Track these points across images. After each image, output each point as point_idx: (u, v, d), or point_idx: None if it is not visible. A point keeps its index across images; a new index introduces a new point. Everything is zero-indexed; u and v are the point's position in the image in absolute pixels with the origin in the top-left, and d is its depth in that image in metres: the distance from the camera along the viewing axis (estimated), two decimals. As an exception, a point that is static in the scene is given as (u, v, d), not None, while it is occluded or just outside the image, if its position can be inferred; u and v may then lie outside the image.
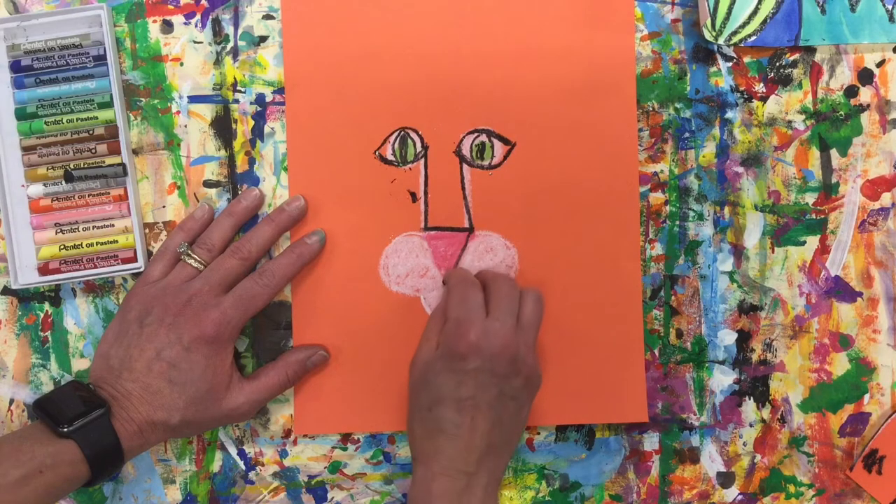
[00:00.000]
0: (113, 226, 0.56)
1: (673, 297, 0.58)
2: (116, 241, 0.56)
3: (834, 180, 0.58)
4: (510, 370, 0.50)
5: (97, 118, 0.55)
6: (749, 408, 0.58)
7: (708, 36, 0.56)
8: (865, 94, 0.57)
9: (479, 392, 0.50)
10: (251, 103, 0.57)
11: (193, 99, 0.57)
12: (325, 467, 0.58)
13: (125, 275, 0.57)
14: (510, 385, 0.51)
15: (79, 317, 0.57)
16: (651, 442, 0.58)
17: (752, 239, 0.58)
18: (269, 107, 0.57)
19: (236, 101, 0.57)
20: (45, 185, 0.56)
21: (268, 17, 0.57)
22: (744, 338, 0.58)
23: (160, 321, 0.51)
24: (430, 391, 0.51)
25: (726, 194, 0.57)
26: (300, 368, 0.55)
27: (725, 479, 0.58)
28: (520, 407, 0.52)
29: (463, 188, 0.57)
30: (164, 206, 0.57)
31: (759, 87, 0.57)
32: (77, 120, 0.55)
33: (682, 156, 0.57)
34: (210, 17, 0.57)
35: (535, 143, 0.57)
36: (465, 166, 0.57)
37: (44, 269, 0.55)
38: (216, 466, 0.58)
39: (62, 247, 0.55)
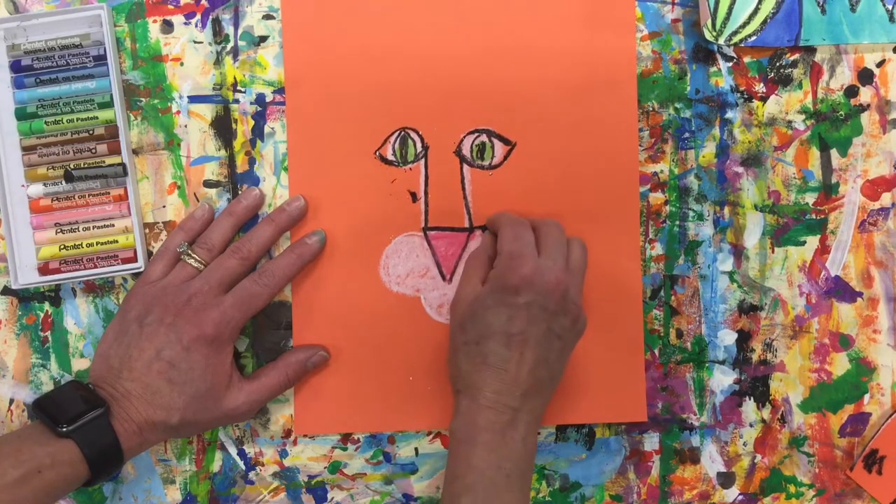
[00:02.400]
0: (113, 226, 0.56)
1: (673, 297, 0.58)
2: (116, 241, 0.56)
3: (834, 180, 0.58)
4: (560, 308, 0.50)
5: (97, 118, 0.55)
6: (749, 408, 0.58)
7: (708, 36, 0.56)
8: (865, 94, 0.57)
9: (529, 327, 0.50)
10: (251, 103, 0.57)
11: (193, 99, 0.57)
12: (325, 467, 0.58)
13: (125, 275, 0.57)
14: (558, 323, 0.51)
15: (79, 317, 0.57)
16: (651, 442, 0.58)
17: (752, 239, 0.58)
18: (270, 107, 0.57)
19: (236, 101, 0.57)
20: (45, 184, 0.56)
21: (268, 17, 0.57)
22: (744, 338, 0.58)
23: (160, 321, 0.51)
24: (479, 325, 0.51)
25: (726, 194, 0.57)
26: (300, 369, 0.55)
27: (726, 480, 0.58)
28: (564, 346, 0.52)
29: (463, 188, 0.57)
30: (164, 206, 0.57)
31: (760, 87, 0.57)
32: (77, 120, 0.55)
33: (682, 156, 0.57)
34: (210, 17, 0.57)
35: (535, 143, 0.57)
36: (465, 166, 0.57)
37: (44, 269, 0.55)
38: (216, 466, 0.58)
39: (62, 247, 0.55)
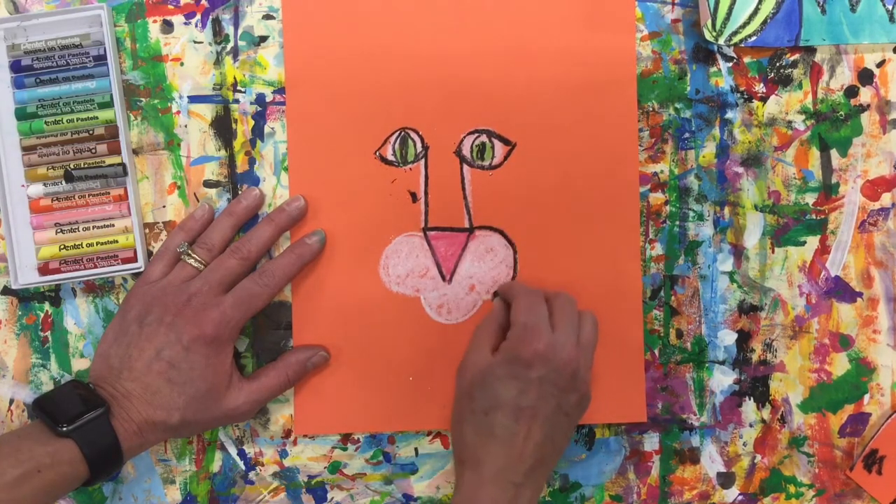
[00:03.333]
0: (113, 226, 0.56)
1: (673, 298, 0.58)
2: (116, 241, 0.56)
3: (834, 180, 0.58)
4: (570, 385, 0.50)
5: (97, 118, 0.55)
6: (749, 408, 0.58)
7: (708, 36, 0.56)
8: (865, 95, 0.57)
9: (540, 402, 0.50)
10: (251, 103, 0.57)
11: (193, 99, 0.57)
12: (324, 467, 0.58)
13: (125, 275, 0.57)
14: (567, 400, 0.51)
15: (79, 317, 0.57)
16: (651, 442, 0.58)
17: (752, 239, 0.58)
18: (270, 107, 0.57)
19: (236, 101, 0.57)
20: (45, 184, 0.56)
21: (268, 17, 0.57)
22: (744, 338, 0.58)
23: (160, 321, 0.51)
24: (488, 395, 0.50)
25: (726, 194, 0.57)
26: (300, 369, 0.55)
27: (725, 480, 0.58)
28: (570, 424, 0.52)
29: (463, 188, 0.57)
30: (164, 206, 0.57)
31: (760, 88, 0.57)
32: (77, 120, 0.55)
33: (682, 156, 0.57)
34: (210, 17, 0.57)
35: (535, 143, 0.57)
36: (465, 166, 0.57)
37: (44, 269, 0.55)
38: (216, 466, 0.58)
39: (62, 247, 0.55)
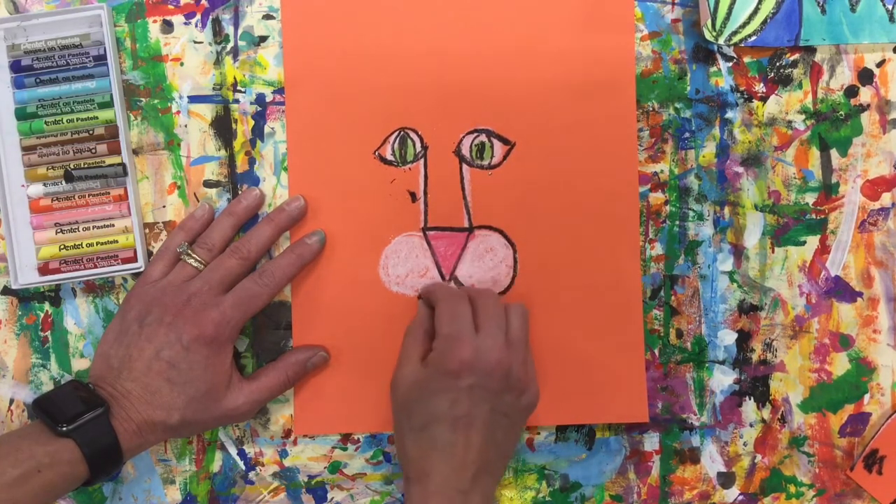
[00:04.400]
0: (113, 226, 0.56)
1: (673, 297, 0.58)
2: (116, 241, 0.56)
3: (834, 180, 0.58)
4: (503, 386, 0.50)
5: (97, 118, 0.55)
6: (749, 408, 0.58)
7: (708, 36, 0.56)
8: (865, 94, 0.57)
9: (474, 409, 0.50)
10: (251, 103, 0.57)
11: (193, 99, 0.57)
12: (325, 467, 0.58)
13: (125, 275, 0.57)
14: (503, 401, 0.51)
15: (79, 317, 0.57)
16: (651, 442, 0.58)
17: (752, 239, 0.58)
18: (270, 107, 0.57)
19: (236, 101, 0.57)
20: (45, 184, 0.56)
21: (268, 17, 0.57)
22: (744, 338, 0.58)
23: (160, 321, 0.51)
24: (423, 410, 0.50)
25: (726, 194, 0.57)
26: (300, 369, 0.55)
27: (726, 480, 0.58)
28: (512, 423, 0.52)
29: (462, 188, 0.57)
30: (164, 206, 0.57)
31: (760, 87, 0.57)
32: (77, 120, 0.55)
33: (682, 156, 0.57)
34: (210, 17, 0.57)
35: (534, 142, 0.57)
36: (464, 166, 0.57)
37: (44, 269, 0.55)
38: (216, 466, 0.58)
39: (62, 247, 0.55)
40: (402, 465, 0.52)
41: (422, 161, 0.57)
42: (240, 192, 0.57)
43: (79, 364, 0.57)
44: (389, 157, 0.57)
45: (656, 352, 0.58)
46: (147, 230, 0.57)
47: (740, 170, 0.57)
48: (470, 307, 0.53)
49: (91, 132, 0.55)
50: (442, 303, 0.53)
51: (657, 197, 0.57)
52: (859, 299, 0.58)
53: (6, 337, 0.57)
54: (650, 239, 0.57)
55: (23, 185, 0.56)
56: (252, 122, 0.57)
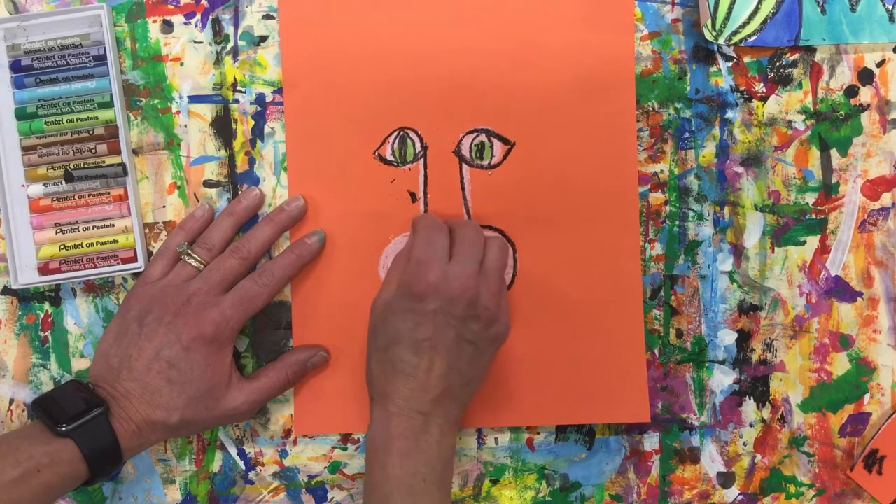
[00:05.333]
0: (113, 226, 0.56)
1: (673, 297, 0.58)
2: (116, 241, 0.56)
3: (834, 180, 0.58)
4: (468, 313, 0.50)
5: (97, 118, 0.55)
6: (749, 408, 0.58)
7: (708, 36, 0.56)
8: (865, 94, 0.57)
9: (437, 334, 0.50)
10: (251, 103, 0.57)
11: (193, 99, 0.57)
12: (325, 467, 0.58)
13: (125, 275, 0.57)
14: (468, 328, 0.50)
15: (79, 317, 0.57)
16: (651, 442, 0.58)
17: (752, 239, 0.58)
18: (269, 107, 0.57)
19: (236, 101, 0.57)
20: (45, 184, 0.56)
21: (268, 17, 0.57)
22: (744, 338, 0.58)
23: (159, 321, 0.51)
24: (388, 331, 0.51)
25: (726, 194, 0.57)
26: (300, 369, 0.55)
27: (726, 480, 0.58)
28: (479, 352, 0.51)
29: (462, 188, 0.57)
30: (164, 206, 0.57)
31: (760, 87, 0.57)
32: (77, 120, 0.55)
33: (682, 156, 0.57)
34: (210, 17, 0.57)
35: (534, 142, 0.57)
36: (464, 166, 0.57)
37: (44, 269, 0.56)
38: (216, 466, 0.58)
39: (62, 247, 0.55)
40: (368, 386, 0.53)
41: (422, 161, 0.57)
42: (240, 192, 0.57)
43: (79, 364, 0.57)
44: (389, 157, 0.57)
45: (656, 352, 0.58)
46: (147, 230, 0.57)
47: (740, 170, 0.57)
48: (447, 236, 0.53)
49: (91, 132, 0.55)
50: (419, 230, 0.53)
51: (657, 197, 0.57)
52: (859, 299, 0.58)
53: (6, 337, 0.57)
54: (650, 239, 0.57)
55: (23, 185, 0.56)
56: (252, 122, 0.57)
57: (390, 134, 0.57)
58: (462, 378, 0.51)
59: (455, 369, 0.50)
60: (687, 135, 0.57)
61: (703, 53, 0.57)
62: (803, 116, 0.57)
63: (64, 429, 0.48)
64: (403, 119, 0.57)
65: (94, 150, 0.55)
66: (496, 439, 0.58)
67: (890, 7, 0.56)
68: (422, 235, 0.52)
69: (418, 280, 0.50)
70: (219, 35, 0.57)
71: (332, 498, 0.58)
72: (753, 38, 0.56)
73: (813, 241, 0.58)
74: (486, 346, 0.52)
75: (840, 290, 0.58)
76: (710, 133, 0.57)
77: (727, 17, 0.56)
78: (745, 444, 0.58)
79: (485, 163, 0.57)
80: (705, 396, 0.58)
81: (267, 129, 0.57)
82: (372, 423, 0.51)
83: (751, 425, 0.58)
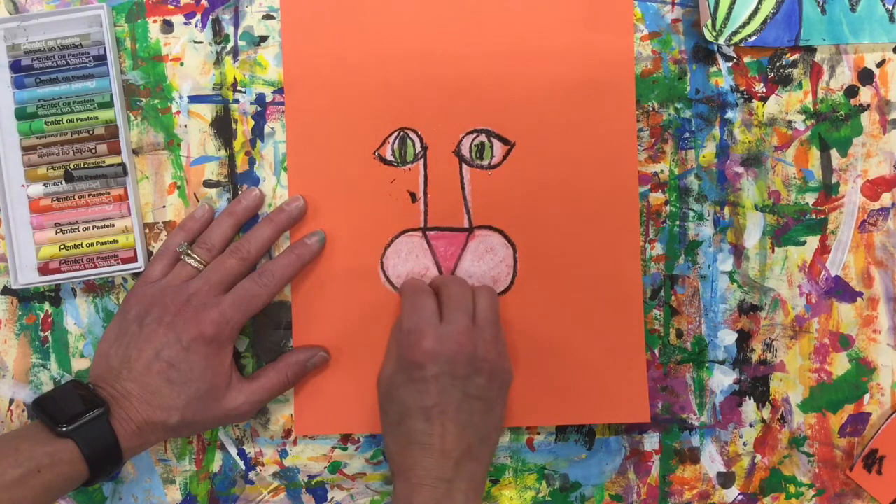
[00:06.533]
0: (113, 226, 0.56)
1: (673, 297, 0.58)
2: (116, 241, 0.56)
3: (834, 180, 0.58)
4: (470, 370, 0.50)
5: (97, 118, 0.55)
6: (749, 408, 0.58)
7: (708, 36, 0.56)
8: (865, 94, 0.57)
9: (443, 398, 0.50)
10: (251, 103, 0.57)
11: (193, 99, 0.57)
12: (325, 467, 0.58)
13: (125, 275, 0.57)
14: (473, 384, 0.50)
15: (79, 317, 0.57)
16: (651, 442, 0.58)
17: (752, 239, 0.58)
18: (270, 107, 0.57)
19: (236, 101, 0.57)
20: (45, 184, 0.56)
21: (268, 17, 0.57)
22: (744, 338, 0.58)
23: (159, 321, 0.51)
24: (396, 405, 0.51)
25: (726, 194, 0.57)
26: (300, 370, 0.55)
27: (726, 480, 0.58)
28: (489, 406, 0.51)
29: (462, 188, 0.57)
30: (164, 206, 0.57)
31: (760, 87, 0.57)
32: (77, 120, 0.55)
33: (682, 156, 0.57)
34: (210, 17, 0.57)
35: (534, 142, 0.57)
36: (464, 166, 0.57)
37: (44, 269, 0.55)
38: (216, 466, 0.58)
39: (62, 247, 0.55)
40: (388, 462, 0.53)
41: (422, 161, 0.57)
42: (240, 192, 0.57)
43: (79, 364, 0.57)
44: (389, 157, 0.57)
45: (656, 352, 0.58)
46: (147, 230, 0.57)
47: (740, 170, 0.57)
48: (434, 299, 0.53)
49: (91, 132, 0.55)
50: (405, 299, 0.53)
51: (657, 197, 0.57)
52: (859, 299, 0.58)
53: (6, 337, 0.57)
54: (650, 239, 0.57)
55: (23, 185, 0.56)
56: (252, 122, 0.57)
57: (390, 134, 0.57)
58: (478, 434, 0.51)
59: (469, 427, 0.50)
60: (687, 135, 0.57)
61: (703, 53, 0.57)
62: (803, 116, 0.57)
63: (64, 429, 0.48)
64: (403, 119, 0.57)
65: (94, 150, 0.55)
66: (496, 439, 0.58)
67: (890, 7, 0.56)
68: (408, 303, 0.52)
69: (414, 349, 0.50)
70: (219, 35, 0.57)
71: (332, 498, 0.58)
72: (753, 38, 0.56)
73: (813, 241, 0.58)
74: (494, 397, 0.52)
75: (840, 290, 0.58)
76: (710, 133, 0.57)
77: (727, 17, 0.56)
78: (745, 444, 0.58)
79: (485, 163, 0.57)
80: (705, 396, 0.58)
81: (267, 129, 0.57)
82: (395, 498, 0.50)
83: (751, 425, 0.58)
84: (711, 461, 0.58)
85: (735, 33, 0.56)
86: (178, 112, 0.57)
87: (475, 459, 0.51)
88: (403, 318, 0.52)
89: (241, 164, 0.57)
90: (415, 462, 0.49)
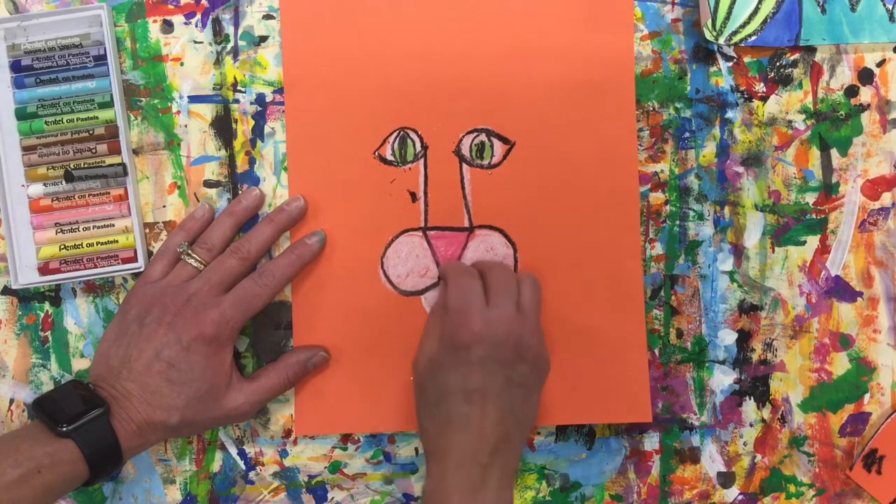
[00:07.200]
0: (113, 226, 0.56)
1: (673, 297, 0.58)
2: (116, 241, 0.56)
3: (834, 180, 0.58)
4: (515, 357, 0.50)
5: (97, 118, 0.55)
6: (749, 408, 0.58)
7: (708, 36, 0.56)
8: (866, 94, 0.57)
9: (487, 381, 0.50)
10: (251, 103, 0.57)
11: (194, 99, 0.57)
12: (325, 467, 0.58)
13: (125, 275, 0.57)
14: (517, 371, 0.50)
15: (79, 317, 0.57)
16: (651, 442, 0.58)
17: (752, 239, 0.58)
18: (270, 107, 0.57)
19: (236, 101, 0.57)
20: (45, 184, 0.56)
21: (268, 16, 0.57)
22: (744, 338, 0.58)
23: (159, 321, 0.51)
24: (437, 386, 0.50)
25: (726, 194, 0.57)
26: (301, 370, 0.55)
27: (726, 479, 0.58)
28: (529, 393, 0.51)
29: (463, 188, 0.57)
30: (164, 206, 0.57)
31: (760, 87, 0.57)
32: (77, 120, 0.55)
33: (682, 155, 0.57)
34: (210, 17, 0.57)
35: (534, 142, 0.57)
36: (464, 166, 0.57)
37: (44, 269, 0.55)
38: (216, 466, 0.58)
39: (62, 247, 0.55)
40: (422, 443, 0.52)
41: (422, 161, 0.57)
42: (240, 192, 0.57)
43: (79, 364, 0.57)
44: (389, 157, 0.57)
45: (656, 351, 0.58)
46: (147, 230, 0.57)
47: (740, 169, 0.57)
48: (480, 281, 0.52)
49: (91, 132, 0.55)
50: (451, 279, 0.53)
51: (657, 197, 0.57)
52: (859, 299, 0.58)
53: (6, 337, 0.57)
54: (650, 239, 0.57)
55: (23, 185, 0.56)
56: (252, 122, 0.57)
57: (390, 134, 0.57)
58: (516, 421, 0.51)
59: (508, 414, 0.50)
60: (687, 135, 0.57)
61: (704, 53, 0.57)
62: (803, 116, 0.57)
63: (64, 429, 0.48)
64: (403, 119, 0.57)
65: (94, 150, 0.55)
66: (496, 439, 0.58)
67: (890, 7, 0.56)
68: (455, 284, 0.52)
69: (461, 330, 0.50)
70: (219, 35, 0.57)
71: (332, 498, 0.58)
72: (753, 37, 0.56)
73: (813, 241, 0.58)
74: (534, 385, 0.52)
75: (840, 289, 0.58)
76: (710, 133, 0.57)
77: (727, 17, 0.56)
78: (745, 443, 0.58)
79: (485, 163, 0.57)
80: (705, 396, 0.58)
81: (267, 129, 0.57)
82: (429, 479, 0.50)
83: (751, 425, 0.58)
84: (712, 461, 0.58)
85: (735, 33, 0.56)
86: (179, 112, 0.57)
87: (511, 446, 0.51)
88: (450, 297, 0.51)
89: (242, 164, 0.57)
90: (451, 444, 0.49)
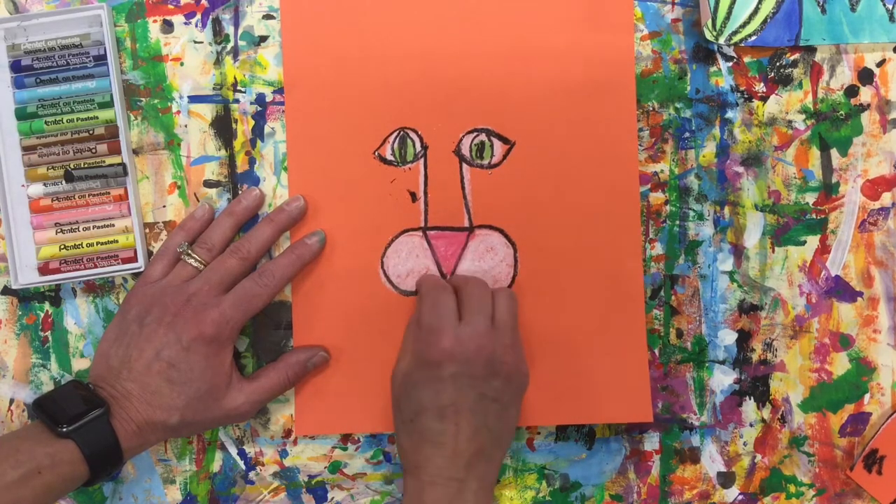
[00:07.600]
0: (113, 226, 0.56)
1: (673, 297, 0.58)
2: (116, 241, 0.56)
3: (834, 180, 0.58)
4: (487, 372, 0.50)
5: (97, 118, 0.55)
6: (749, 408, 0.58)
7: (708, 36, 0.56)
8: (866, 94, 0.57)
9: (459, 397, 0.50)
10: (251, 103, 0.57)
11: (194, 99, 0.57)
12: (325, 467, 0.58)
13: (125, 275, 0.57)
14: (490, 386, 0.50)
15: (79, 317, 0.57)
16: (651, 442, 0.58)
17: (752, 239, 0.58)
18: (270, 107, 0.57)
19: (236, 101, 0.57)
20: (45, 184, 0.56)
21: (268, 16, 0.57)
22: (744, 338, 0.58)
23: (159, 321, 0.51)
24: (411, 402, 0.51)
25: (726, 194, 0.57)
26: (301, 370, 0.55)
27: (726, 479, 0.58)
28: (504, 408, 0.51)
29: (463, 188, 0.57)
30: (164, 206, 0.57)
31: (760, 87, 0.57)
32: (77, 120, 0.55)
33: (682, 155, 0.57)
34: (210, 17, 0.57)
35: (534, 142, 0.57)
36: (464, 166, 0.57)
37: (44, 269, 0.55)
38: (216, 466, 0.58)
39: (62, 246, 0.55)
40: (400, 458, 0.52)
41: (422, 161, 0.57)
42: (240, 192, 0.57)
43: (79, 364, 0.57)
44: (389, 157, 0.57)
45: (656, 351, 0.58)
46: (147, 230, 0.57)
47: (740, 169, 0.57)
48: (453, 297, 0.53)
49: (91, 132, 0.55)
50: (424, 295, 0.53)
51: (657, 197, 0.57)
52: (859, 299, 0.58)
53: (6, 337, 0.57)
54: (650, 239, 0.57)
55: (23, 185, 0.56)
56: (252, 122, 0.57)
57: (390, 134, 0.57)
58: (491, 435, 0.51)
59: (483, 429, 0.50)
60: (687, 135, 0.57)
61: (704, 53, 0.57)
62: (803, 116, 0.57)
63: (64, 429, 0.48)
64: (403, 119, 0.57)
65: (94, 150, 0.55)
66: (496, 439, 0.58)
67: (890, 7, 0.56)
68: (426, 300, 0.52)
69: (432, 347, 0.50)
70: (219, 35, 0.57)
71: (332, 498, 0.58)
72: (753, 37, 0.56)
73: (813, 241, 0.58)
74: (509, 400, 0.52)
75: (840, 289, 0.58)
76: (710, 133, 0.57)
77: (727, 17, 0.56)
78: (745, 443, 0.58)
79: (485, 162, 0.57)
80: (705, 396, 0.58)
81: (267, 129, 0.57)
82: (405, 495, 0.50)
83: (751, 425, 0.58)
84: (712, 461, 0.58)
85: (735, 33, 0.56)
86: (179, 112, 0.57)
87: (487, 460, 0.51)
88: (422, 314, 0.52)
89: (242, 164, 0.57)
90: (427, 460, 0.49)
